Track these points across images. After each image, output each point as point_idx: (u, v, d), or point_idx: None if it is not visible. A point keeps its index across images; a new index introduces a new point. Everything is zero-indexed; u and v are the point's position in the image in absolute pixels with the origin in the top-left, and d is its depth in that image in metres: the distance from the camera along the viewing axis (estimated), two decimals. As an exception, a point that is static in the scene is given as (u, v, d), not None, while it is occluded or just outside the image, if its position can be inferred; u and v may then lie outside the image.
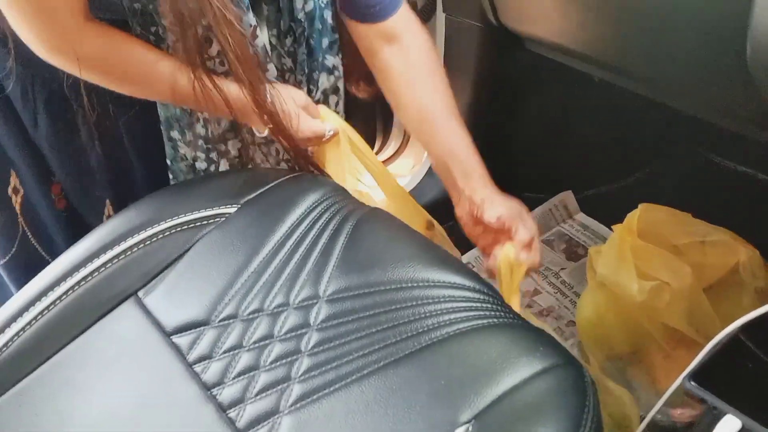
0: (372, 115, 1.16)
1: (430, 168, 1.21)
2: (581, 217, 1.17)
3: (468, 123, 1.12)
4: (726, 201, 0.96)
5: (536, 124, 1.14)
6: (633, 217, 0.86)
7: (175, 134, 0.81)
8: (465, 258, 1.10)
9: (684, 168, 1.07)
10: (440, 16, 1.06)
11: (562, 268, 1.09)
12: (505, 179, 1.19)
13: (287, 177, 0.73)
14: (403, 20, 0.81)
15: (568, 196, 1.18)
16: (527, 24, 0.91)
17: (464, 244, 1.12)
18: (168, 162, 0.83)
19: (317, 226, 0.67)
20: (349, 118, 1.13)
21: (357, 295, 0.59)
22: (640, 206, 0.86)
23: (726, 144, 1.01)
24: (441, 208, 1.20)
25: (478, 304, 0.57)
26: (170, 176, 0.84)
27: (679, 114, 0.85)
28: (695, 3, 0.59)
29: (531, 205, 1.16)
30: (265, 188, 0.70)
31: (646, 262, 0.81)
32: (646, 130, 1.09)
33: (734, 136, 0.79)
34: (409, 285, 0.59)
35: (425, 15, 1.13)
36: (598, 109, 1.07)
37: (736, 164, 1.02)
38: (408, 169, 1.33)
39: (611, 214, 0.95)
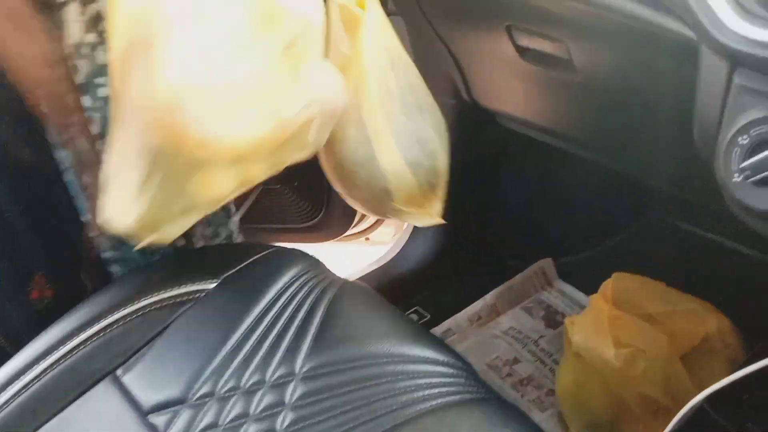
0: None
1: (411, 235, 1.24)
2: (560, 284, 1.19)
3: (448, 193, 1.16)
4: (697, 268, 0.99)
5: (514, 193, 1.18)
6: (607, 285, 0.88)
7: None
8: (440, 328, 1.11)
9: (656, 235, 1.10)
10: (417, 93, 1.11)
11: (541, 336, 1.10)
12: (488, 247, 1.22)
13: (266, 252, 0.75)
14: None
15: (547, 264, 1.20)
16: (497, 101, 0.95)
17: (442, 315, 1.14)
18: None
19: (294, 302, 0.68)
20: (327, 186, 1.16)
21: (332, 371, 0.60)
22: (613, 275, 0.89)
23: (695, 212, 1.05)
24: (424, 275, 1.22)
25: (452, 380, 0.58)
26: None
27: (648, 184, 0.89)
28: (648, 86, 0.63)
29: (512, 273, 1.19)
30: (243, 264, 0.72)
31: (622, 330, 0.83)
32: (620, 199, 1.13)
33: (702, 204, 0.83)
34: (384, 360, 0.60)
35: (403, 91, 1.19)
36: (571, 179, 1.11)
37: (704, 232, 1.06)
38: (390, 237, 1.36)
39: (589, 281, 0.97)
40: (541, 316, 1.14)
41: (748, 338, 0.88)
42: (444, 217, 1.18)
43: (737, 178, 0.48)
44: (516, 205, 1.18)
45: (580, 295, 1.15)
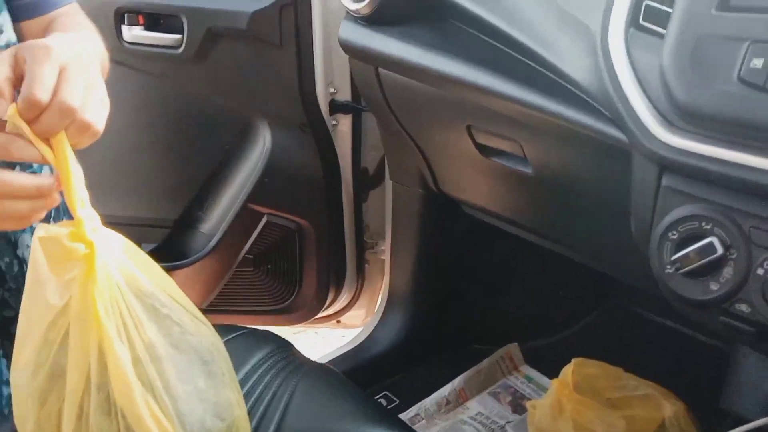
0: (325, 270, 1.22)
1: (381, 319, 1.26)
2: (526, 369, 1.21)
3: (416, 277, 1.20)
4: (654, 352, 1.02)
5: (480, 278, 1.22)
6: (568, 371, 0.91)
7: None
8: (408, 414, 1.12)
9: (617, 321, 1.14)
10: (388, 182, 1.17)
11: (508, 422, 1.11)
12: (455, 332, 1.25)
13: (236, 334, 0.77)
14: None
15: (513, 349, 1.23)
16: (462, 192, 1.01)
17: (411, 399, 1.14)
18: None
19: (262, 384, 0.70)
20: (299, 269, 1.17)
21: (296, 453, 0.61)
22: (573, 361, 0.92)
23: (652, 299, 1.10)
24: (393, 359, 1.24)
25: (412, 462, 0.60)
26: None
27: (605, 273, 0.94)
28: (593, 183, 0.69)
29: (480, 357, 1.21)
30: (214, 346, 0.73)
31: (582, 415, 0.85)
32: (582, 286, 1.18)
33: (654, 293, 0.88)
34: (347, 442, 0.62)
35: (376, 181, 1.25)
36: (535, 266, 1.16)
37: (663, 319, 1.10)
38: (360, 320, 1.38)
39: (555, 366, 1.00)
40: (508, 401, 1.16)
41: (704, 423, 0.91)
42: (411, 302, 1.22)
43: (669, 269, 0.53)
44: (483, 291, 1.22)
45: (545, 380, 1.17)
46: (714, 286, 0.51)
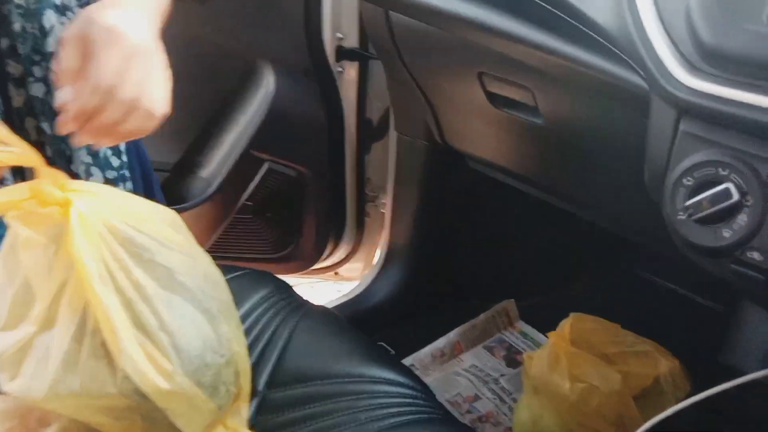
0: (325, 220, 1.21)
1: (380, 272, 1.26)
2: (521, 324, 1.22)
3: (416, 232, 1.20)
4: (651, 313, 1.03)
5: (480, 234, 1.21)
6: (566, 324, 0.91)
7: None
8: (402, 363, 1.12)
9: (614, 281, 1.14)
10: (392, 134, 1.15)
11: (501, 375, 1.12)
12: (452, 285, 1.25)
13: (237, 273, 0.76)
14: None
15: (510, 305, 1.23)
16: (468, 145, 1.00)
17: (406, 351, 1.15)
18: None
19: (261, 322, 0.70)
20: (299, 218, 1.16)
21: (295, 388, 0.62)
22: (571, 315, 0.92)
23: (650, 260, 1.10)
24: (389, 311, 1.24)
25: (410, 400, 0.60)
26: None
27: (608, 231, 0.93)
28: (606, 132, 0.68)
29: (476, 312, 1.21)
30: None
31: (578, 367, 0.86)
32: (580, 245, 1.18)
33: (658, 253, 0.88)
34: (346, 380, 0.62)
35: (380, 132, 1.23)
36: (536, 223, 1.16)
37: (660, 279, 1.11)
38: (358, 273, 1.38)
39: (550, 324, 1.01)
40: (503, 355, 1.16)
41: (699, 381, 0.92)
42: (410, 256, 1.22)
43: (682, 216, 0.52)
44: (483, 247, 1.22)
45: (540, 337, 1.18)
46: (726, 233, 0.50)
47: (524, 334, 1.20)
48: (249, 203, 1.16)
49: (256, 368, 0.64)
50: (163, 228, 0.57)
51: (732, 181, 0.49)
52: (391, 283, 1.24)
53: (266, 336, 0.68)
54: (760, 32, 0.46)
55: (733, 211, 0.49)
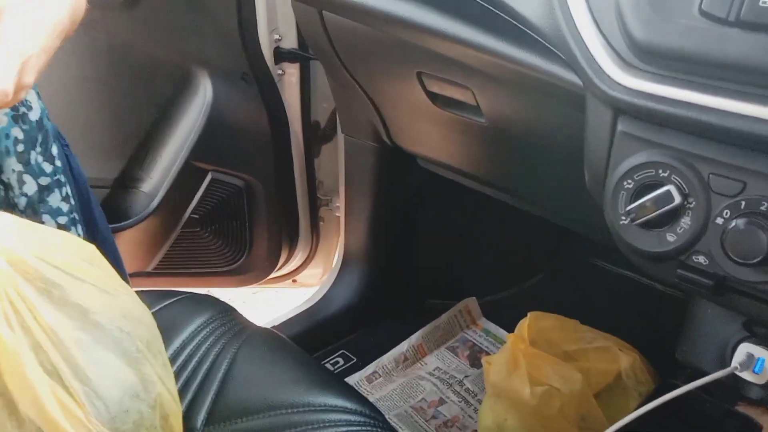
0: (277, 229, 1.17)
1: (338, 276, 1.23)
2: (484, 322, 1.20)
3: (372, 234, 1.16)
4: (610, 303, 1.02)
5: (437, 233, 1.19)
6: (524, 325, 0.89)
7: None
8: (365, 371, 1.10)
9: (574, 273, 1.13)
10: (340, 136, 1.11)
11: (466, 376, 1.10)
12: (412, 286, 1.22)
13: (175, 299, 0.72)
14: None
15: (471, 303, 1.21)
16: (416, 145, 0.97)
17: (369, 357, 1.12)
18: None
19: (201, 350, 0.66)
20: (249, 228, 1.11)
21: (236, 423, 0.58)
22: (529, 315, 0.90)
23: (610, 250, 1.08)
24: (350, 317, 1.21)
25: (358, 428, 0.57)
26: None
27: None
28: (546, 131, 0.65)
29: (439, 312, 1.19)
30: (151, 312, 0.69)
31: (538, 368, 0.84)
32: (537, 240, 1.16)
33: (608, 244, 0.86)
34: (291, 410, 0.58)
35: (328, 134, 1.19)
36: (491, 220, 1.13)
37: (620, 269, 1.10)
38: (317, 279, 1.34)
39: (513, 319, 0.99)
40: (466, 355, 1.14)
41: (662, 372, 0.91)
42: (368, 258, 1.19)
43: (624, 220, 0.50)
44: (441, 246, 1.19)
45: (503, 333, 1.16)
46: (671, 238, 0.48)
47: (487, 332, 1.18)
48: (195, 216, 1.11)
49: (194, 404, 0.60)
50: (76, 261, 0.53)
51: (673, 183, 0.47)
52: (349, 288, 1.21)
53: (205, 366, 0.65)
54: (692, 26, 0.43)
55: (676, 214, 0.47)
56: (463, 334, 1.19)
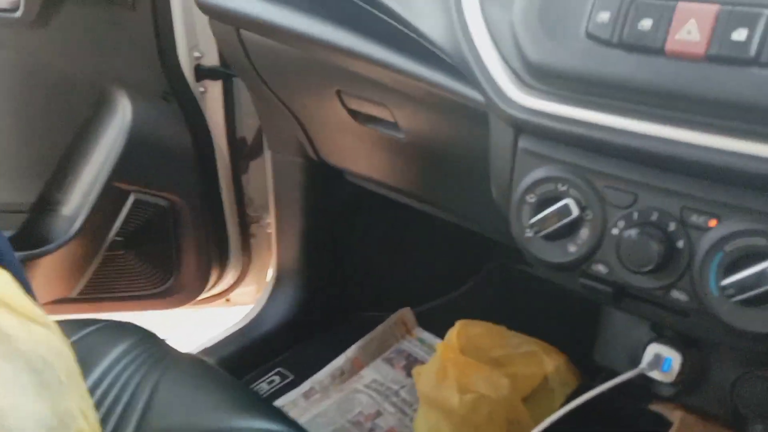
0: (205, 248, 1.15)
1: (271, 294, 1.22)
2: (419, 332, 1.21)
3: (304, 249, 1.16)
4: (539, 309, 1.05)
5: (368, 246, 1.20)
6: (453, 333, 0.91)
7: None
8: (302, 388, 1.09)
9: (502, 279, 1.16)
10: (267, 153, 1.11)
11: (402, 386, 1.10)
12: (346, 301, 1.23)
13: (94, 327, 0.70)
14: None
15: (406, 313, 1.22)
16: (342, 159, 0.98)
17: (305, 373, 1.12)
18: None
19: (122, 379, 0.64)
20: (176, 249, 1.08)
21: (156, 455, 0.57)
22: (457, 323, 0.92)
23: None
24: (285, 334, 1.20)
25: (282, 451, 0.57)
26: None
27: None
28: (458, 147, 0.67)
29: (374, 324, 1.20)
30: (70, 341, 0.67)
31: (466, 376, 0.85)
32: (465, 248, 1.18)
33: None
34: (213, 437, 0.58)
35: (255, 151, 1.18)
36: (420, 231, 1.15)
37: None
38: (251, 297, 1.32)
39: (446, 327, 1.00)
40: (402, 365, 1.15)
41: (587, 373, 0.94)
42: (301, 274, 1.19)
43: (529, 233, 0.52)
44: (372, 258, 1.20)
45: (437, 341, 1.18)
46: (572, 248, 0.50)
47: (422, 341, 1.19)
48: (119, 238, 1.08)
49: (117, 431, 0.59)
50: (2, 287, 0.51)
51: (571, 196, 0.49)
52: (283, 305, 1.20)
53: (126, 395, 0.63)
54: (580, 47, 0.45)
55: (575, 226, 0.49)
56: (399, 345, 1.19)
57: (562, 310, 1.07)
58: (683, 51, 0.41)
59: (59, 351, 0.56)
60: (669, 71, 0.42)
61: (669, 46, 0.42)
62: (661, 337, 0.63)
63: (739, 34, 0.39)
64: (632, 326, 0.67)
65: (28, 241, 1.09)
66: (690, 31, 0.41)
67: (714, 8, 0.41)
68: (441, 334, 1.18)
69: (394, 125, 0.75)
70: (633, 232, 0.46)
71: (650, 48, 0.42)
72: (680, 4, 0.42)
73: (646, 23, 0.43)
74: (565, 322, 1.03)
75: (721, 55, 0.40)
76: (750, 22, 0.39)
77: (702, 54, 0.41)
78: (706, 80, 0.41)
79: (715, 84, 0.40)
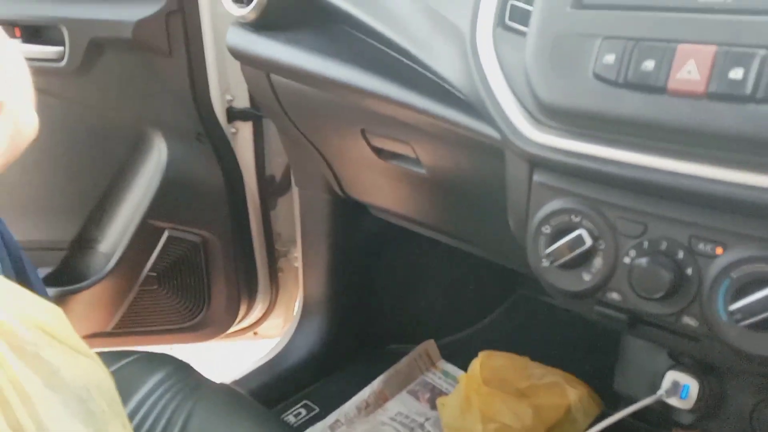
0: (235, 282, 1.19)
1: (298, 327, 1.25)
2: (443, 364, 1.22)
3: (330, 283, 1.19)
4: (562, 341, 1.06)
5: (393, 279, 1.22)
6: (476, 364, 0.92)
7: None
8: (328, 420, 1.11)
9: (525, 311, 1.17)
10: (295, 189, 1.15)
11: (427, 419, 1.11)
12: (372, 333, 1.25)
13: (130, 359, 0.74)
14: None
15: (430, 345, 1.24)
16: (366, 195, 1.01)
17: (331, 406, 1.13)
18: None
19: (157, 409, 0.67)
20: (207, 283, 1.11)
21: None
22: (480, 354, 0.93)
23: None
24: (312, 367, 1.22)
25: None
26: None
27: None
28: (479, 181, 0.70)
29: (398, 357, 1.21)
30: (105, 373, 0.70)
31: (490, 406, 0.87)
32: (489, 280, 1.20)
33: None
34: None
35: (283, 187, 1.23)
36: (444, 263, 1.17)
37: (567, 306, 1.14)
38: (279, 330, 1.35)
39: (469, 359, 1.01)
40: (427, 398, 1.16)
41: (609, 403, 0.94)
42: (327, 307, 1.21)
43: (545, 262, 0.54)
44: (397, 291, 1.22)
45: (461, 374, 1.19)
46: (586, 277, 0.52)
47: (446, 373, 1.20)
48: (153, 274, 1.13)
49: (149, 462, 0.61)
50: (47, 321, 0.54)
51: (584, 227, 0.51)
52: (310, 338, 1.22)
53: (162, 423, 0.66)
54: (586, 87, 0.48)
55: (589, 255, 0.51)
56: (423, 377, 1.21)
57: (583, 341, 1.08)
58: (684, 89, 0.44)
59: (101, 381, 0.59)
60: (672, 108, 0.45)
61: (671, 85, 0.45)
62: (679, 365, 0.64)
63: (736, 73, 0.42)
64: (651, 355, 0.68)
65: (66, 278, 1.14)
66: (690, 71, 0.44)
67: (712, 49, 0.43)
68: (465, 366, 1.19)
69: (416, 161, 0.79)
70: (644, 261, 0.48)
71: (653, 87, 0.45)
72: (680, 46, 0.45)
73: (649, 64, 0.46)
74: (587, 352, 1.04)
75: (719, 92, 0.43)
76: (745, 62, 0.42)
77: (702, 92, 0.44)
78: (707, 116, 0.43)
79: (716, 119, 0.43)
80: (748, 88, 0.42)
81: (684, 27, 0.45)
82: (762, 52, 0.42)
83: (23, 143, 0.58)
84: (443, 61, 0.62)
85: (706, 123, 0.43)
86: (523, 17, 0.55)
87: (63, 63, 1.01)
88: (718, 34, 0.44)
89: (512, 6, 0.56)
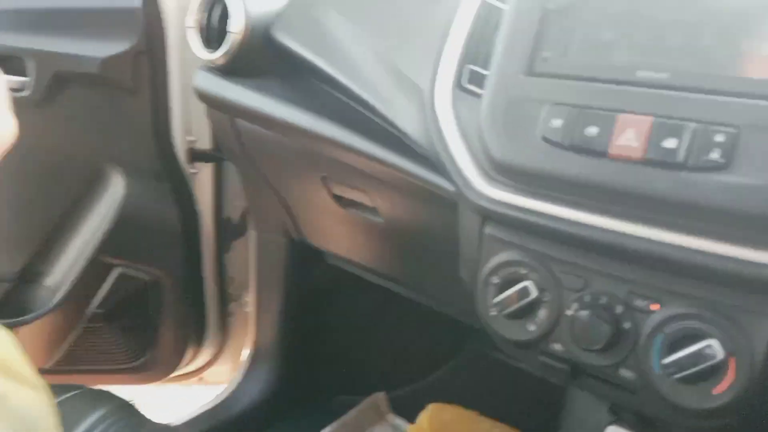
0: (183, 325, 1.17)
1: (247, 372, 1.22)
2: (392, 417, 1.22)
3: (282, 330, 1.18)
4: (510, 395, 1.07)
5: (346, 328, 1.22)
6: (424, 417, 0.92)
7: None
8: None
9: (475, 365, 1.18)
10: (252, 233, 1.15)
11: (372, 474, 1.10)
12: (320, 383, 1.23)
13: (69, 394, 0.71)
14: None
15: (380, 398, 1.23)
16: (324, 241, 1.02)
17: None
18: None
19: (94, 449, 0.65)
20: (154, 324, 1.09)
21: None
22: (429, 407, 0.93)
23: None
24: (258, 416, 1.20)
25: None
26: None
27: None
28: (432, 231, 0.72)
29: (347, 408, 1.20)
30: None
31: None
32: (441, 333, 1.21)
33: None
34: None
35: (239, 230, 1.23)
36: (397, 314, 1.18)
37: (515, 361, 1.16)
38: (225, 376, 1.32)
39: (418, 412, 1.01)
40: (374, 452, 1.15)
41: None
42: (277, 355, 1.20)
43: (493, 312, 0.56)
44: (349, 340, 1.22)
45: (410, 426, 1.18)
46: (531, 327, 0.54)
47: (395, 427, 1.19)
48: (99, 311, 1.10)
49: (80, 504, 0.59)
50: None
51: (531, 279, 0.54)
52: (257, 385, 1.20)
53: (98, 465, 0.64)
54: (535, 149, 0.52)
55: (534, 306, 0.54)
56: (371, 430, 1.19)
57: (530, 396, 1.10)
58: (624, 155, 0.48)
59: (46, 412, 0.57)
60: (612, 172, 0.48)
61: (612, 150, 0.48)
62: (619, 420, 0.65)
63: (670, 143, 0.46)
64: (593, 410, 0.70)
65: (8, 311, 1.10)
66: (629, 138, 0.48)
67: (649, 120, 0.47)
68: (414, 419, 1.18)
69: (374, 210, 0.81)
70: (585, 314, 0.51)
71: (596, 151, 0.49)
72: (621, 116, 0.48)
73: (592, 130, 0.49)
74: (534, 408, 1.06)
75: (655, 159, 0.46)
76: (678, 132, 0.46)
77: (640, 157, 0.47)
78: (644, 180, 0.47)
79: (651, 184, 0.46)
80: (681, 157, 0.45)
81: (624, 98, 0.49)
82: (692, 125, 0.45)
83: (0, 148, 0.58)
84: (404, 116, 0.65)
85: (642, 186, 0.47)
86: (479, 80, 0.59)
87: (25, 93, 1.01)
88: (655, 107, 0.48)
89: (470, 70, 0.60)
